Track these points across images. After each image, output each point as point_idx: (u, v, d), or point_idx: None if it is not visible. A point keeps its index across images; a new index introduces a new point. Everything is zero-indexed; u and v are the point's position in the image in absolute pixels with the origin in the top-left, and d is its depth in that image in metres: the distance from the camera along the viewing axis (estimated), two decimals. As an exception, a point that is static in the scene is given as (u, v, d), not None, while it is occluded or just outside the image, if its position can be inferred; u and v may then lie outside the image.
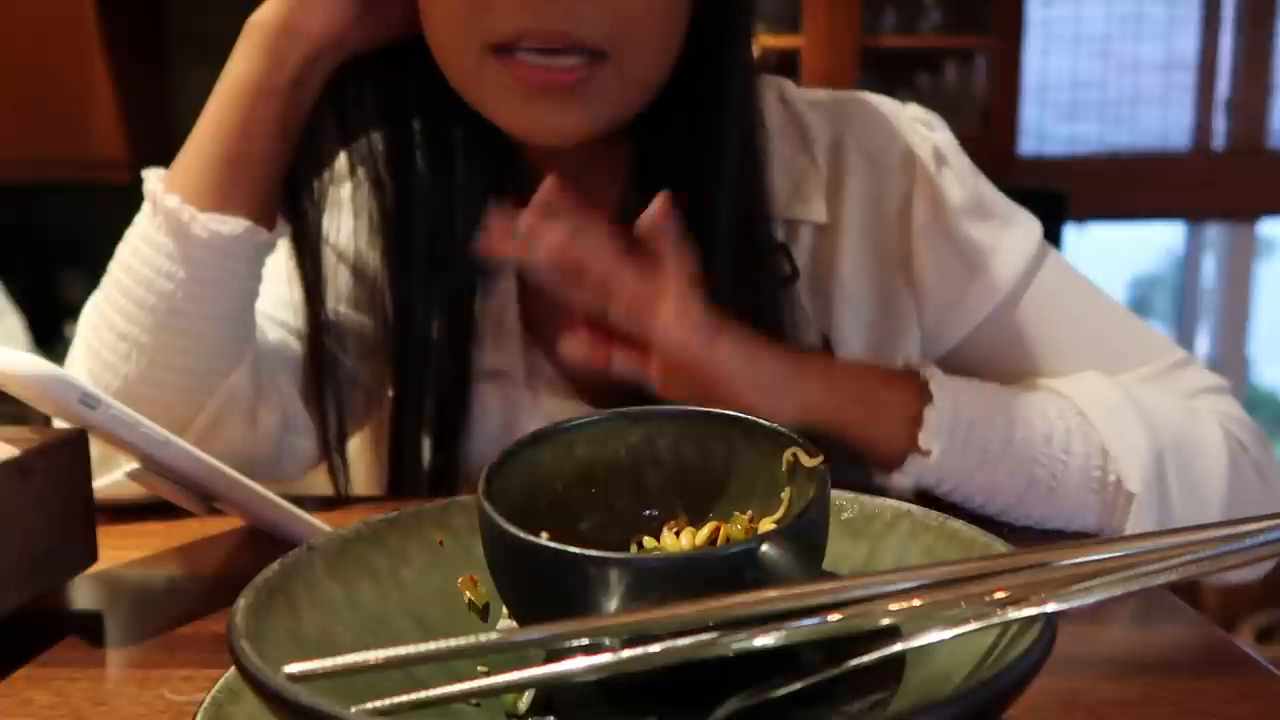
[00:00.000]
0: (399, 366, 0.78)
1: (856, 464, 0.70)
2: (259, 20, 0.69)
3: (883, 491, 0.66)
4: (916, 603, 0.31)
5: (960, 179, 0.77)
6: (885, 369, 0.71)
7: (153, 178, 0.69)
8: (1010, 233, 0.76)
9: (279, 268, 0.76)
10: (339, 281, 0.80)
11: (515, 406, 0.78)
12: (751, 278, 0.73)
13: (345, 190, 0.79)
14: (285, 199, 0.73)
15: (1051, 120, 3.07)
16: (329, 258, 0.79)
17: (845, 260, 0.77)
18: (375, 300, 0.80)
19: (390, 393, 0.79)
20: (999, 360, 0.76)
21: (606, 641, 0.31)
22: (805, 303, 0.77)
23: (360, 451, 0.85)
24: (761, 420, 0.41)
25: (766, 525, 0.40)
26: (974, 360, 0.77)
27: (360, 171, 0.77)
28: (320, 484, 0.81)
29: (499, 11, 0.64)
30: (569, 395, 0.78)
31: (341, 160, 0.77)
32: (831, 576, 0.37)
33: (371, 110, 0.75)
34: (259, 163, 0.69)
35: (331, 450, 0.78)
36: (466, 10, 0.65)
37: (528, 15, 0.63)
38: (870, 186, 0.77)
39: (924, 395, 0.67)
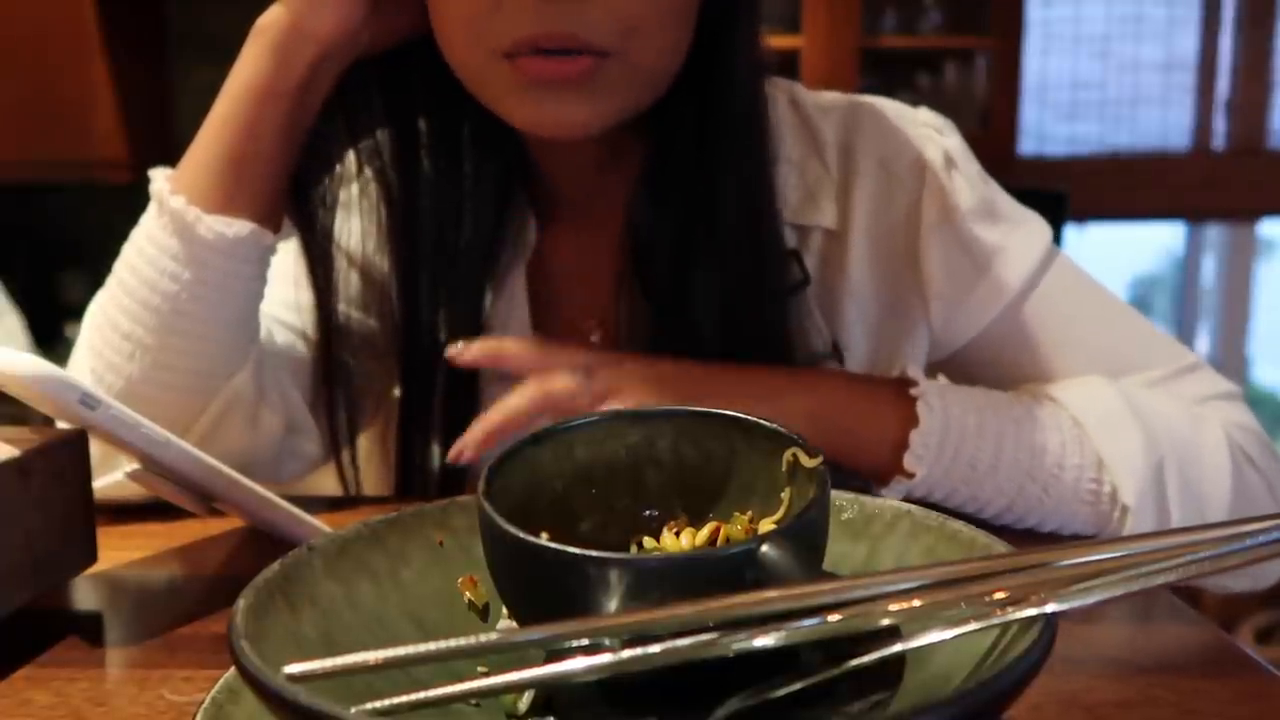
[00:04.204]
0: (407, 368, 0.78)
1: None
2: (267, 22, 0.69)
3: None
4: (916, 603, 0.31)
5: (970, 183, 0.76)
6: (874, 386, 0.70)
7: (159, 178, 0.69)
8: (1019, 236, 0.76)
9: (285, 269, 0.76)
10: (347, 283, 0.80)
11: None
12: (761, 282, 0.73)
13: (353, 191, 0.79)
14: (294, 201, 0.73)
15: (1051, 120, 3.07)
16: (338, 260, 0.79)
17: (854, 265, 0.77)
18: (383, 302, 0.80)
19: (398, 394, 0.79)
20: (1006, 363, 0.76)
21: (606, 641, 0.31)
22: (814, 307, 0.77)
23: (368, 453, 0.85)
24: (761, 420, 0.41)
25: (766, 525, 0.40)
26: (981, 362, 0.77)
27: (368, 172, 0.77)
28: (324, 485, 0.81)
29: (507, 17, 0.63)
30: None
31: (349, 161, 0.77)
32: (831, 576, 0.37)
33: (379, 111, 0.75)
34: (266, 164, 0.69)
35: (341, 452, 0.78)
36: (475, 16, 0.65)
37: (535, 21, 0.63)
38: (880, 191, 0.77)
39: (911, 416, 0.67)
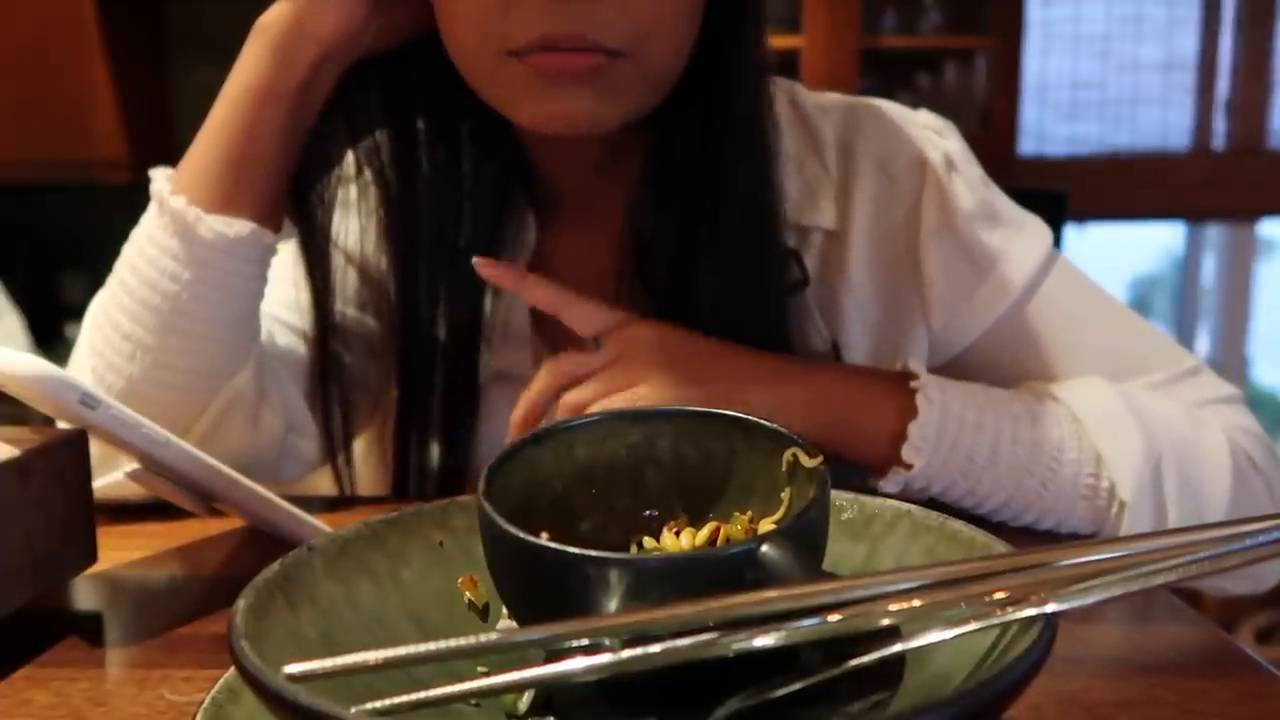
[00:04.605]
0: (405, 368, 0.78)
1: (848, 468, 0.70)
2: (268, 22, 0.69)
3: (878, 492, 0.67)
4: (916, 603, 0.31)
5: (970, 186, 0.76)
6: (873, 378, 0.71)
7: (160, 178, 0.69)
8: (1020, 238, 0.76)
9: (284, 269, 0.76)
10: (346, 283, 0.80)
11: None
12: (762, 282, 0.73)
13: (353, 191, 0.79)
14: (293, 201, 0.73)
15: (1051, 120, 3.07)
16: (336, 259, 0.79)
17: (854, 265, 0.77)
18: (382, 301, 0.80)
19: (396, 394, 0.79)
20: (1006, 365, 0.76)
21: (606, 641, 0.31)
22: (814, 307, 0.77)
23: (366, 453, 0.85)
24: (762, 421, 0.41)
25: (766, 525, 0.40)
26: (981, 365, 0.77)
27: (368, 173, 0.77)
28: (324, 485, 0.81)
29: (517, 18, 0.63)
30: None
31: (349, 161, 0.77)
32: (831, 576, 0.37)
33: (379, 111, 0.75)
34: (266, 165, 0.69)
35: (336, 452, 0.78)
36: (485, 16, 0.64)
37: (546, 22, 0.63)
38: (880, 192, 0.77)
39: (910, 408, 0.67)
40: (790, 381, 0.69)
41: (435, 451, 0.78)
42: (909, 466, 0.67)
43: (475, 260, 0.70)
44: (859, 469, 0.71)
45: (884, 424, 0.68)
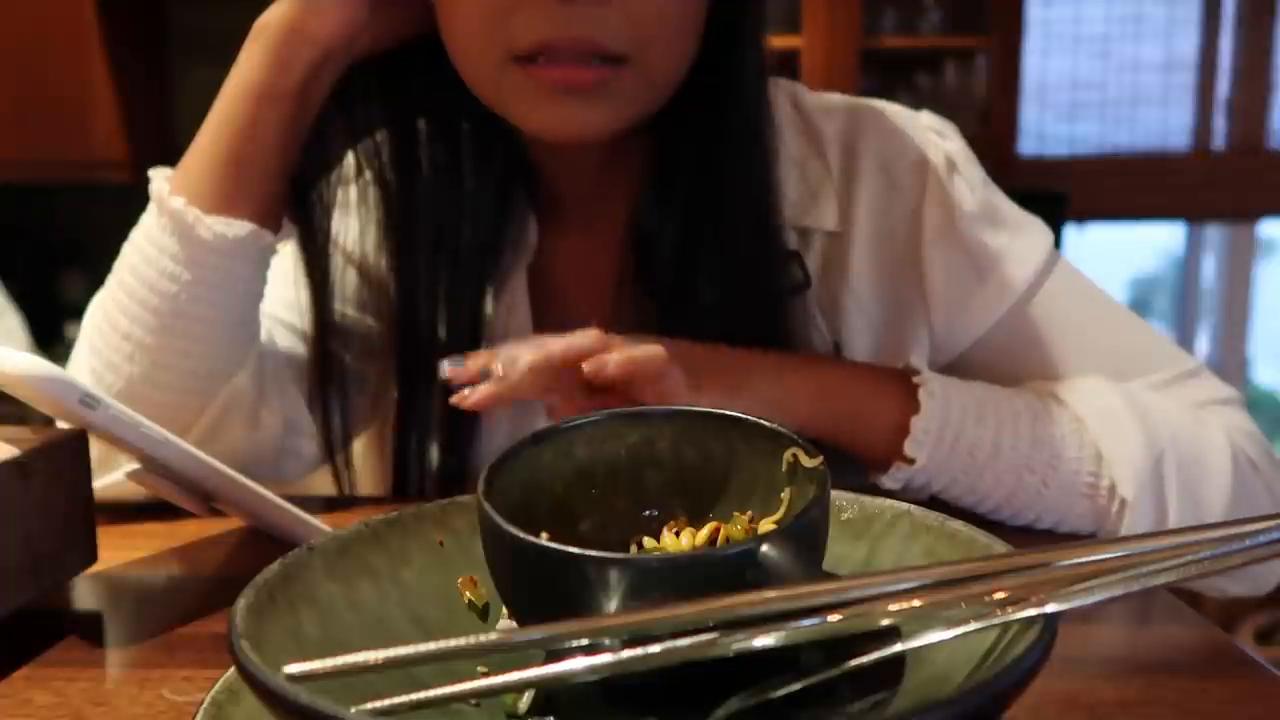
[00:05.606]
0: (405, 369, 0.78)
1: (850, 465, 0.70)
2: (267, 22, 0.69)
3: (880, 491, 0.67)
4: (916, 603, 0.31)
5: (972, 187, 0.76)
6: (876, 373, 0.71)
7: (159, 178, 0.69)
8: (1021, 240, 0.76)
9: (284, 269, 0.76)
10: (345, 283, 0.80)
11: (526, 409, 0.78)
12: (763, 284, 0.73)
13: (353, 192, 0.79)
14: (292, 201, 0.73)
15: (1051, 120, 3.07)
16: (336, 260, 0.79)
17: (856, 267, 0.77)
18: (382, 302, 0.80)
19: (396, 394, 0.79)
20: (1007, 366, 0.76)
21: (606, 641, 0.31)
22: (816, 309, 0.77)
23: (366, 454, 0.85)
24: (762, 421, 0.41)
25: (766, 525, 0.40)
26: (983, 365, 0.77)
27: (368, 173, 0.77)
28: (323, 485, 0.81)
29: (522, 21, 0.63)
30: None
31: (349, 162, 0.77)
32: (831, 576, 0.37)
33: (379, 112, 0.75)
34: (265, 165, 0.69)
35: (335, 452, 0.78)
36: (489, 20, 0.65)
37: (550, 25, 0.63)
38: (882, 194, 0.77)
39: (912, 403, 0.67)
40: (793, 373, 0.69)
41: (435, 451, 0.78)
42: (911, 461, 0.67)
43: (443, 372, 0.61)
44: (859, 468, 0.71)
45: (887, 418, 0.68)
